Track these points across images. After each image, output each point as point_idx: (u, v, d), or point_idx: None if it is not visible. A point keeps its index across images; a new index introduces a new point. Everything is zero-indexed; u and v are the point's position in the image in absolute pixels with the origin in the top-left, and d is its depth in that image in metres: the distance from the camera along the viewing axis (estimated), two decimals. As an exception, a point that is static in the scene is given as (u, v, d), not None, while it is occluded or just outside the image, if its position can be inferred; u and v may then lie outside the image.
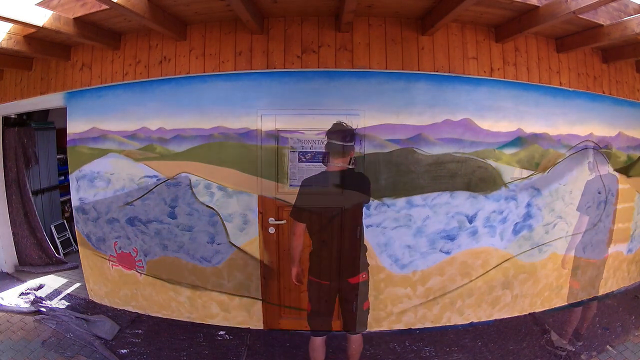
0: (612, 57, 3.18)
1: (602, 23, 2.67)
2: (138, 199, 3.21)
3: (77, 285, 3.88)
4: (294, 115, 2.89)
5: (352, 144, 2.31)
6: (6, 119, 4.20)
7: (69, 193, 3.60)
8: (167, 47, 2.94)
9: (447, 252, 3.08)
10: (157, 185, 3.15)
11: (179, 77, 2.94)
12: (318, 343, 2.44)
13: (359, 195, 2.40)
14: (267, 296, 3.14)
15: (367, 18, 2.76)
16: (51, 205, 4.97)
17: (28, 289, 3.72)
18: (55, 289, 3.81)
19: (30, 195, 4.33)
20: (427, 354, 2.91)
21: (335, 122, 2.39)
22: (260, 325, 3.16)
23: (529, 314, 3.37)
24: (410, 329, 3.18)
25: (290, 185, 2.96)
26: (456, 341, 3.05)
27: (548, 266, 3.34)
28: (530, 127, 3.08)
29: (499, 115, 3.00)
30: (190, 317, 3.30)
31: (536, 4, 2.45)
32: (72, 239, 4.83)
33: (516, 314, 3.34)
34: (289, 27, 2.78)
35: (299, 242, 2.38)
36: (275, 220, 3.02)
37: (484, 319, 3.27)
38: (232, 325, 3.20)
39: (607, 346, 2.92)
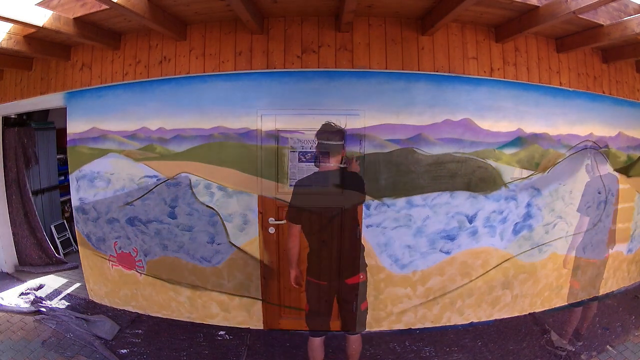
0: (612, 57, 3.18)
1: (602, 23, 2.67)
2: (138, 199, 3.21)
3: (77, 285, 3.88)
4: (294, 115, 2.89)
5: (341, 143, 2.33)
6: (6, 119, 4.20)
7: (69, 193, 3.60)
8: (167, 47, 2.94)
9: (447, 252, 3.08)
10: (157, 185, 3.15)
11: (179, 77, 2.94)
12: (317, 343, 2.44)
13: (354, 195, 2.40)
14: (267, 296, 3.14)
15: (367, 18, 2.76)
16: (51, 205, 4.97)
17: (28, 289, 3.72)
18: (55, 289, 3.81)
19: (30, 195, 4.33)
20: (427, 354, 2.91)
21: (324, 122, 2.40)
22: (260, 325, 3.16)
23: (529, 314, 3.37)
24: (410, 329, 3.18)
25: (290, 185, 2.96)
26: (456, 341, 3.05)
27: (548, 266, 3.34)
28: (530, 127, 3.08)
29: (499, 115, 3.00)
30: (190, 317, 3.30)
31: (536, 4, 2.45)
32: (72, 239, 4.83)
33: (516, 314, 3.34)
34: (289, 27, 2.78)
35: (295, 243, 2.38)
36: (275, 220, 3.02)
37: (484, 319, 3.27)
38: (232, 325, 3.21)
39: (607, 346, 2.92)
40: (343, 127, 2.43)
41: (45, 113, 4.75)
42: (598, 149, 3.31)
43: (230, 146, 2.96)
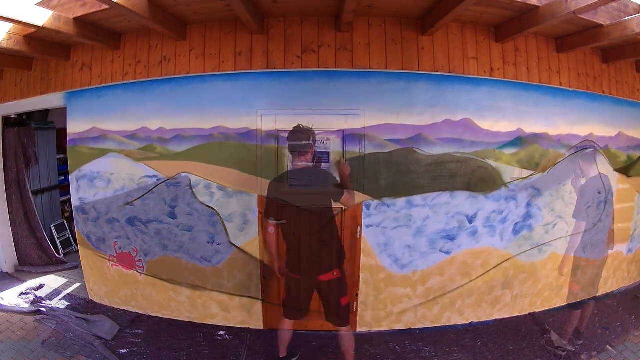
0: (612, 57, 3.18)
1: (602, 23, 2.67)
2: (138, 199, 3.21)
3: (77, 285, 3.88)
4: (294, 115, 2.88)
5: (309, 142, 2.48)
6: (6, 119, 4.20)
7: (69, 193, 3.60)
8: (167, 47, 2.94)
9: (447, 252, 3.08)
10: (157, 185, 3.15)
11: (179, 77, 2.94)
12: (286, 324, 2.66)
13: (325, 191, 2.49)
14: (267, 296, 3.14)
15: (367, 18, 2.76)
16: (51, 205, 4.97)
17: (28, 289, 3.72)
18: (55, 289, 3.82)
19: (30, 195, 4.34)
20: (427, 354, 2.91)
21: (295, 125, 2.56)
22: (260, 325, 3.16)
23: (529, 314, 3.37)
24: (410, 329, 3.18)
25: (291, 186, 2.96)
26: (456, 341, 3.05)
27: (548, 266, 3.34)
28: (530, 127, 3.08)
29: (499, 115, 3.00)
30: (190, 317, 3.30)
31: (536, 4, 2.45)
32: (72, 239, 4.83)
33: (516, 314, 3.34)
34: (289, 27, 2.78)
35: (271, 238, 2.54)
36: (275, 220, 3.01)
37: (484, 319, 3.27)
38: (232, 325, 3.21)
39: (607, 346, 2.93)
40: (310, 127, 2.57)
41: (45, 113, 4.75)
42: (597, 149, 3.30)
43: (230, 146, 2.96)
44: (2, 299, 3.51)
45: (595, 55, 3.22)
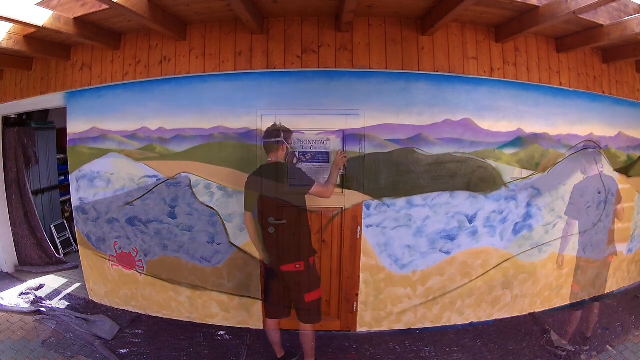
0: (612, 57, 3.18)
1: (602, 23, 2.66)
2: (138, 199, 3.21)
3: (77, 285, 3.88)
4: (294, 115, 2.88)
5: (279, 139, 2.55)
6: (6, 119, 4.20)
7: (69, 193, 3.60)
8: (167, 47, 2.94)
9: (447, 252, 3.08)
10: (157, 185, 3.15)
11: (179, 77, 2.94)
12: (269, 324, 2.67)
13: (292, 185, 2.56)
14: (267, 296, 3.14)
15: (367, 18, 2.76)
16: (51, 205, 4.97)
17: (28, 289, 3.72)
18: (55, 289, 3.82)
19: (30, 195, 4.34)
20: (427, 354, 2.91)
21: (271, 124, 2.65)
22: (260, 325, 3.15)
23: (529, 314, 3.37)
24: (410, 329, 3.18)
25: (291, 186, 2.96)
26: (456, 341, 3.05)
27: (548, 266, 3.34)
28: (530, 127, 3.08)
29: (499, 115, 3.00)
30: (190, 317, 3.30)
31: (536, 4, 2.45)
32: (72, 239, 4.83)
33: (516, 314, 3.34)
34: (289, 27, 2.78)
35: (249, 227, 2.61)
36: (275, 220, 3.01)
37: (484, 319, 3.27)
38: (232, 325, 3.21)
39: (607, 346, 2.92)
40: (279, 125, 2.63)
41: (45, 113, 4.75)
42: (597, 149, 3.31)
43: (230, 146, 2.96)
44: (2, 299, 3.51)
45: (595, 55, 3.22)
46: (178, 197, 3.11)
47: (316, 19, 2.77)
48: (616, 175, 3.46)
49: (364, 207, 2.98)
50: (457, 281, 3.15)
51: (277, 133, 2.57)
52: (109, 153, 3.24)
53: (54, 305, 3.44)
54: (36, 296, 3.54)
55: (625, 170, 3.51)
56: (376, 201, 2.98)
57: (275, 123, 2.66)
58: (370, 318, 3.15)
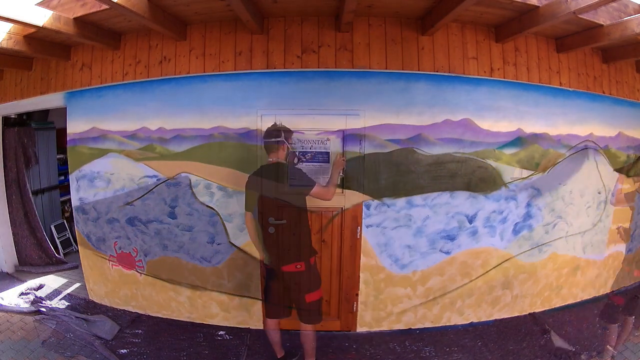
0: (612, 57, 3.18)
1: (602, 23, 2.66)
2: (138, 199, 3.21)
3: (77, 285, 3.88)
4: (294, 115, 2.88)
5: (280, 139, 2.54)
6: (6, 119, 4.20)
7: (69, 193, 3.60)
8: (167, 47, 2.94)
9: (447, 252, 3.08)
10: (157, 185, 3.15)
11: (179, 77, 2.94)
12: (269, 324, 2.67)
13: (298, 186, 2.54)
14: (267, 296, 3.14)
15: (367, 18, 2.76)
16: (51, 205, 4.97)
17: (28, 289, 3.72)
18: (55, 289, 3.81)
19: (30, 195, 4.34)
20: (427, 354, 2.91)
21: (272, 124, 2.65)
22: (260, 325, 3.15)
23: (529, 314, 3.36)
24: (410, 329, 3.18)
25: (291, 186, 2.96)
26: (456, 341, 3.05)
27: (548, 266, 3.34)
28: (530, 127, 3.08)
29: (499, 115, 3.00)
30: (190, 317, 3.30)
31: (536, 4, 2.45)
32: (72, 239, 4.83)
33: (516, 314, 3.34)
34: (289, 27, 2.78)
35: (250, 227, 2.61)
36: (275, 220, 3.01)
37: (484, 319, 3.27)
38: (232, 325, 3.21)
39: (607, 346, 2.92)
40: (279, 124, 2.63)
41: (45, 113, 4.75)
42: (598, 148, 3.31)
43: (230, 146, 2.96)
44: (2, 299, 3.51)
45: (595, 55, 3.22)
46: (178, 197, 3.11)
47: (316, 19, 2.77)
48: (616, 175, 3.46)
49: (364, 207, 2.98)
50: (457, 281, 3.15)
51: (277, 133, 2.57)
52: (109, 153, 3.24)
53: (54, 305, 3.44)
54: (36, 296, 3.54)
55: (625, 170, 3.51)
56: (376, 201, 2.98)
57: (275, 123, 2.65)
58: (370, 318, 3.15)
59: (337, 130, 2.90)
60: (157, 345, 2.98)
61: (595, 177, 3.36)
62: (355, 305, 3.11)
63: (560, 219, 3.29)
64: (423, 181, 2.97)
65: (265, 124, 2.88)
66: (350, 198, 2.97)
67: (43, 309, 3.31)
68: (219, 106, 2.94)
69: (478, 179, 3.03)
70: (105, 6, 2.33)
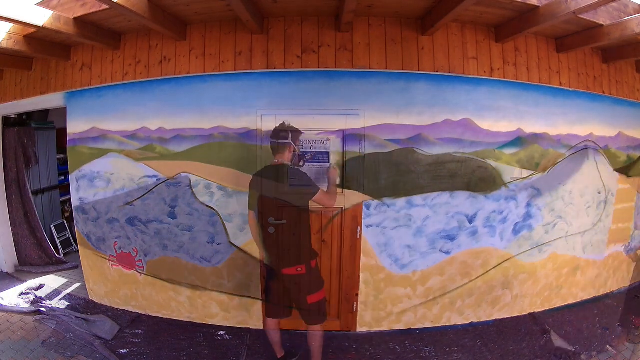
0: (612, 57, 3.18)
1: (602, 23, 2.66)
2: (138, 199, 3.21)
3: (77, 285, 3.88)
4: (294, 115, 2.88)
5: (286, 141, 2.53)
6: (6, 119, 4.20)
7: (69, 193, 3.60)
8: (167, 47, 2.94)
9: (447, 252, 3.08)
10: (157, 185, 3.15)
11: (179, 77, 2.94)
12: (269, 323, 2.67)
13: (300, 189, 2.54)
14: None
15: (367, 18, 2.76)
16: (51, 205, 4.97)
17: (28, 289, 3.72)
18: (55, 289, 3.81)
19: (30, 195, 4.34)
20: (427, 354, 2.91)
21: (280, 123, 2.68)
22: (260, 325, 3.15)
23: (529, 314, 3.36)
24: (410, 329, 3.18)
25: (291, 186, 2.96)
26: (456, 341, 3.05)
27: (548, 266, 3.34)
28: (530, 127, 3.08)
29: (499, 115, 3.00)
30: (190, 317, 3.30)
31: (536, 4, 2.45)
32: (72, 239, 4.83)
33: (516, 314, 3.34)
34: (289, 27, 2.78)
35: (252, 226, 2.66)
36: (275, 220, 3.01)
37: (484, 319, 3.27)
38: (232, 325, 3.21)
39: (607, 346, 2.92)
40: (287, 125, 2.63)
41: (45, 113, 4.75)
42: (598, 148, 3.31)
43: (230, 146, 2.96)
44: (2, 299, 3.51)
45: (595, 55, 3.22)
46: (178, 197, 3.11)
47: (316, 19, 2.77)
48: (616, 175, 3.46)
49: (364, 207, 2.98)
50: (457, 281, 3.15)
51: (285, 134, 2.54)
52: (109, 153, 3.24)
53: (54, 305, 3.44)
54: (36, 296, 3.54)
55: (625, 170, 3.51)
56: (376, 201, 2.98)
57: (283, 123, 2.64)
58: (370, 318, 3.15)
59: (337, 130, 2.90)
60: (157, 345, 2.98)
61: (595, 177, 3.36)
62: (355, 305, 3.11)
63: (560, 219, 3.29)
64: (423, 181, 2.97)
65: (265, 124, 2.89)
66: (350, 198, 2.97)
67: (43, 309, 3.31)
68: (219, 106, 2.94)
69: (478, 179, 3.03)
70: (105, 6, 2.33)
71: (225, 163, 2.99)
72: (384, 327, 3.17)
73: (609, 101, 3.30)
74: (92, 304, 3.56)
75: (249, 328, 3.18)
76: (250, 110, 2.90)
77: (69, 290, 3.80)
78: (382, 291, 3.10)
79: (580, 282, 3.52)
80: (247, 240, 3.07)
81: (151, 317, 3.36)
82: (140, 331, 3.16)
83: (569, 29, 2.84)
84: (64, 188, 4.75)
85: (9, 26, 2.72)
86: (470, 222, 3.06)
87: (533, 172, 3.14)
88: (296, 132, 2.60)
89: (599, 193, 3.42)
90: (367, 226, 3.00)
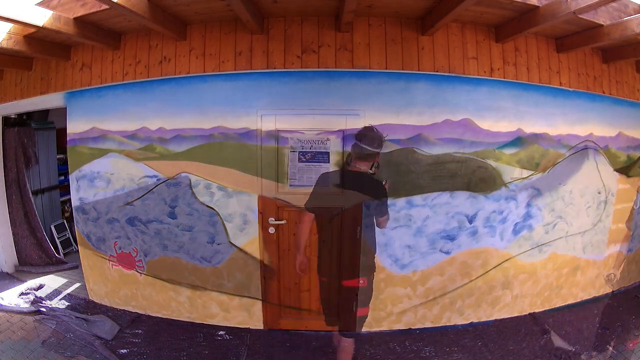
0: (612, 57, 3.18)
1: (602, 23, 2.66)
2: (138, 199, 3.21)
3: (77, 285, 3.88)
4: (294, 115, 2.88)
5: (378, 150, 2.48)
6: (6, 119, 4.20)
7: (69, 193, 3.60)
8: (167, 47, 2.94)
9: (447, 252, 3.08)
10: (157, 185, 3.15)
11: (179, 77, 2.94)
12: (342, 342, 2.61)
13: (371, 200, 2.52)
14: (267, 296, 3.14)
15: (367, 18, 2.76)
16: (51, 205, 4.97)
17: (28, 289, 3.72)
18: (55, 289, 3.81)
19: (30, 195, 4.33)
20: (427, 354, 2.91)
21: (366, 125, 2.58)
22: (260, 325, 3.16)
23: (529, 314, 3.36)
24: (410, 329, 3.18)
25: (290, 186, 2.96)
26: (456, 341, 3.05)
27: (548, 266, 3.34)
28: (530, 127, 3.08)
29: (499, 115, 3.00)
30: (190, 317, 3.30)
31: (536, 4, 2.45)
32: (72, 239, 4.83)
33: (516, 314, 3.34)
34: (289, 27, 2.78)
35: (304, 230, 2.55)
36: (275, 220, 3.02)
37: (484, 319, 3.27)
38: (232, 325, 3.21)
39: (607, 346, 2.92)
40: (378, 132, 2.55)
41: (45, 113, 4.75)
42: (598, 148, 3.31)
43: (230, 146, 2.96)
44: (2, 299, 3.51)
45: (595, 55, 3.22)
46: (178, 197, 3.11)
47: (316, 19, 2.77)
48: (616, 175, 3.46)
49: (363, 207, 2.97)
50: (457, 281, 3.15)
51: (379, 142, 2.46)
52: (109, 153, 3.24)
53: (54, 305, 3.44)
54: (36, 296, 3.54)
55: (625, 170, 3.51)
56: (376, 201, 2.97)
57: (373, 127, 2.58)
58: (370, 318, 3.12)
59: (337, 130, 2.90)
60: (157, 345, 2.98)
61: (595, 177, 3.36)
62: (355, 305, 3.11)
63: (560, 219, 3.29)
64: (423, 181, 2.97)
65: (265, 124, 2.90)
66: (350, 198, 2.96)
67: (43, 309, 3.31)
68: (219, 106, 2.94)
69: (478, 179, 3.03)
70: (105, 6, 2.33)
71: (225, 163, 2.99)
72: (384, 327, 3.17)
73: (609, 101, 3.30)
74: (92, 304, 3.56)
75: (249, 328, 3.18)
76: (250, 110, 2.90)
77: (69, 290, 3.80)
78: (382, 291, 3.09)
79: (580, 282, 3.52)
80: (247, 240, 3.07)
81: (151, 317, 3.36)
82: (140, 331, 3.16)
83: (569, 29, 2.84)
84: (64, 188, 4.75)
85: (9, 26, 2.72)
86: (470, 222, 3.06)
87: (533, 172, 3.15)
88: (384, 140, 2.52)
89: (599, 193, 3.42)
90: (367, 226, 2.99)
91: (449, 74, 2.84)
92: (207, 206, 3.07)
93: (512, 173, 3.09)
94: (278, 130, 2.91)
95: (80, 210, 3.46)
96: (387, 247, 3.03)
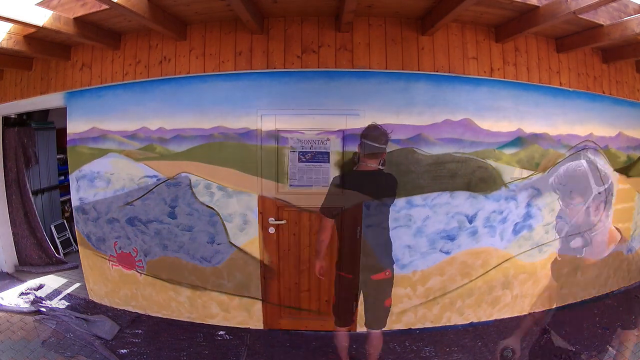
0: (612, 57, 3.18)
1: (602, 23, 2.67)
2: (138, 199, 3.21)
3: (77, 285, 3.88)
4: (294, 115, 2.88)
5: (385, 147, 2.51)
6: (6, 119, 4.20)
7: (69, 193, 3.60)
8: (167, 47, 2.94)
9: (447, 252, 3.08)
10: (157, 185, 3.15)
11: (179, 77, 2.94)
12: (341, 334, 2.67)
13: (386, 195, 2.56)
14: (267, 296, 3.14)
15: (367, 18, 2.76)
16: (51, 205, 4.97)
17: (28, 289, 3.72)
18: (55, 289, 3.81)
19: (30, 195, 4.33)
20: (427, 354, 2.91)
21: (370, 124, 2.66)
22: (260, 325, 3.16)
23: (529, 314, 3.36)
24: (410, 329, 3.18)
25: (290, 186, 2.96)
26: (456, 341, 3.05)
27: (548, 266, 3.34)
28: (530, 127, 3.08)
29: (499, 115, 3.00)
30: (190, 317, 3.30)
31: (536, 4, 2.45)
32: (72, 239, 4.83)
33: (516, 314, 3.34)
34: (289, 27, 2.78)
35: (327, 236, 2.55)
36: (275, 220, 3.02)
37: (484, 319, 3.27)
38: (232, 325, 3.21)
39: (607, 346, 2.92)
40: (383, 129, 2.58)
41: (45, 113, 4.75)
42: (597, 148, 3.31)
43: (230, 146, 2.96)
44: (2, 299, 3.51)
45: (595, 55, 3.22)
46: (178, 197, 3.11)
47: (316, 19, 2.77)
48: (616, 175, 3.46)
49: (363, 207, 2.97)
50: (457, 281, 3.15)
51: (386, 139, 2.50)
52: (109, 153, 3.24)
53: (54, 305, 3.44)
54: (36, 296, 3.54)
55: (625, 170, 3.51)
56: (376, 201, 2.97)
57: (376, 124, 2.61)
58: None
59: (337, 130, 2.90)
60: (157, 345, 2.98)
61: (595, 178, 3.36)
62: (355, 305, 3.10)
63: (561, 219, 3.29)
64: (423, 181, 2.97)
65: (265, 124, 2.90)
66: (350, 198, 2.96)
67: (43, 309, 3.31)
68: (219, 106, 2.94)
69: (478, 179, 3.03)
70: (105, 6, 2.33)
71: (225, 163, 2.99)
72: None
73: (609, 101, 3.30)
74: (92, 304, 3.56)
75: (248, 328, 3.18)
76: (250, 110, 2.90)
77: (69, 290, 3.80)
78: (382, 291, 3.09)
79: (580, 282, 3.52)
80: (247, 240, 3.07)
81: (151, 317, 3.36)
82: (140, 331, 3.16)
83: (569, 29, 2.84)
84: (64, 188, 4.75)
85: (9, 26, 2.72)
86: (470, 222, 3.06)
87: (533, 172, 3.14)
88: (388, 137, 2.55)
89: (599, 193, 3.42)
90: (367, 226, 2.99)
91: (449, 74, 2.84)
92: (207, 206, 3.07)
93: (512, 173, 3.09)
94: (278, 130, 2.91)
95: (80, 210, 3.46)
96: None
